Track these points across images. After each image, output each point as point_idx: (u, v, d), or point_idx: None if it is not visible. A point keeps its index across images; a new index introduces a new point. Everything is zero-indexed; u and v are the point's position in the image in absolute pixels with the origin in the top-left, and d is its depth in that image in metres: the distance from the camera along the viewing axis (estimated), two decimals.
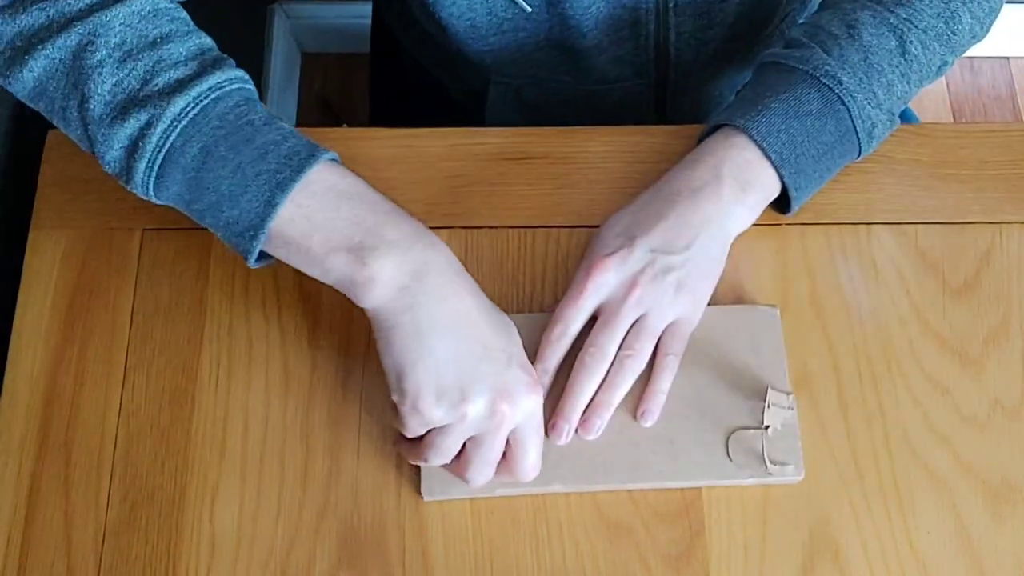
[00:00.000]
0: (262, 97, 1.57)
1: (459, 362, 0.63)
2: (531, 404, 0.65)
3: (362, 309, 0.64)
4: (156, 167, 0.63)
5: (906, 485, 0.70)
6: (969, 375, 0.73)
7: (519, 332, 0.69)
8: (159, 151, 0.62)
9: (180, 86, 0.63)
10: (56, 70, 0.63)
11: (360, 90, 1.74)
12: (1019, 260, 0.76)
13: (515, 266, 0.76)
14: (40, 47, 0.63)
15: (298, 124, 1.69)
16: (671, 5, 0.83)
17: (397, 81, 1.12)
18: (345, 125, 1.63)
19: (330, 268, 0.63)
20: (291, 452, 0.70)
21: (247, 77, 0.66)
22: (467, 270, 0.73)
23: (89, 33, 0.62)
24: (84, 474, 0.70)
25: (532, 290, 0.75)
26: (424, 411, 0.62)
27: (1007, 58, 1.81)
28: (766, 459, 0.68)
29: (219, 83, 0.64)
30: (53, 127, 0.72)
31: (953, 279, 0.76)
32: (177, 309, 0.74)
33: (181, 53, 0.64)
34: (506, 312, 0.73)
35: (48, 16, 0.63)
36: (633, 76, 0.90)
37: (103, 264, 0.75)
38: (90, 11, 0.63)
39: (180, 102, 0.62)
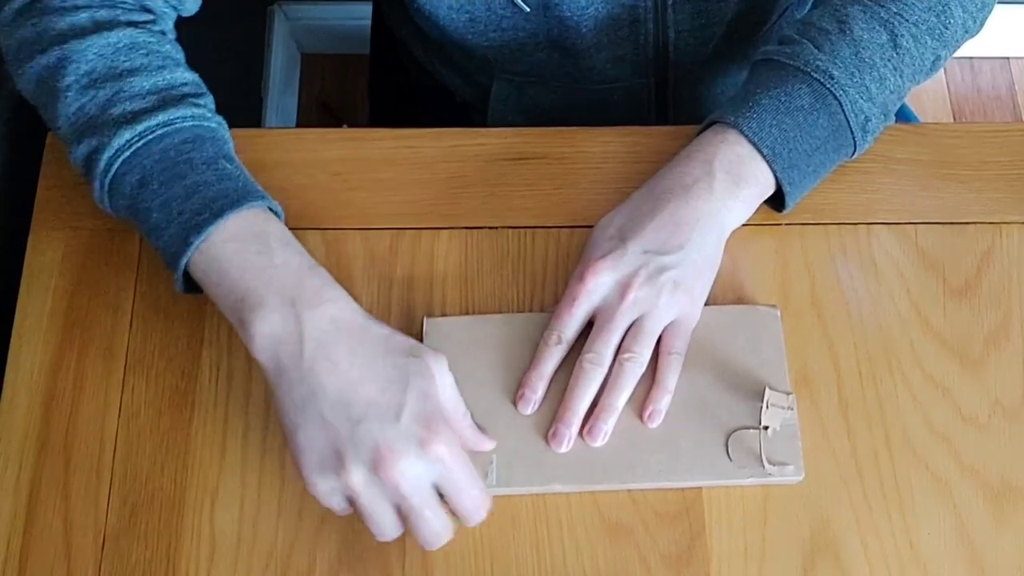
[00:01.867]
0: (262, 98, 1.58)
1: (339, 425, 0.61)
2: (419, 465, 0.61)
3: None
4: (106, 187, 0.67)
5: (906, 485, 0.70)
6: (969, 375, 0.73)
7: (518, 333, 0.69)
8: (107, 174, 0.67)
9: (131, 118, 0.66)
10: (40, 82, 0.69)
11: (360, 91, 1.74)
12: (1019, 260, 0.76)
13: (515, 266, 0.76)
14: (30, 60, 0.68)
15: (298, 125, 1.71)
16: (669, 3, 0.83)
17: (397, 82, 1.12)
18: (345, 126, 1.63)
19: (224, 313, 0.65)
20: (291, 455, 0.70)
21: (209, 115, 0.69)
22: (467, 271, 0.73)
23: (63, 57, 0.67)
24: (84, 477, 0.69)
25: (532, 290, 0.75)
26: (311, 484, 0.62)
27: (1007, 58, 1.81)
28: (764, 459, 0.68)
29: (170, 119, 0.67)
30: None
31: (953, 279, 0.76)
32: (177, 311, 0.74)
33: (144, 87, 0.67)
34: (506, 313, 0.73)
35: (37, 32, 0.68)
36: (633, 75, 0.90)
37: (103, 265, 0.75)
38: (69, 36, 0.67)
39: (126, 134, 0.66)
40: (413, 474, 0.61)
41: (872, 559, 0.68)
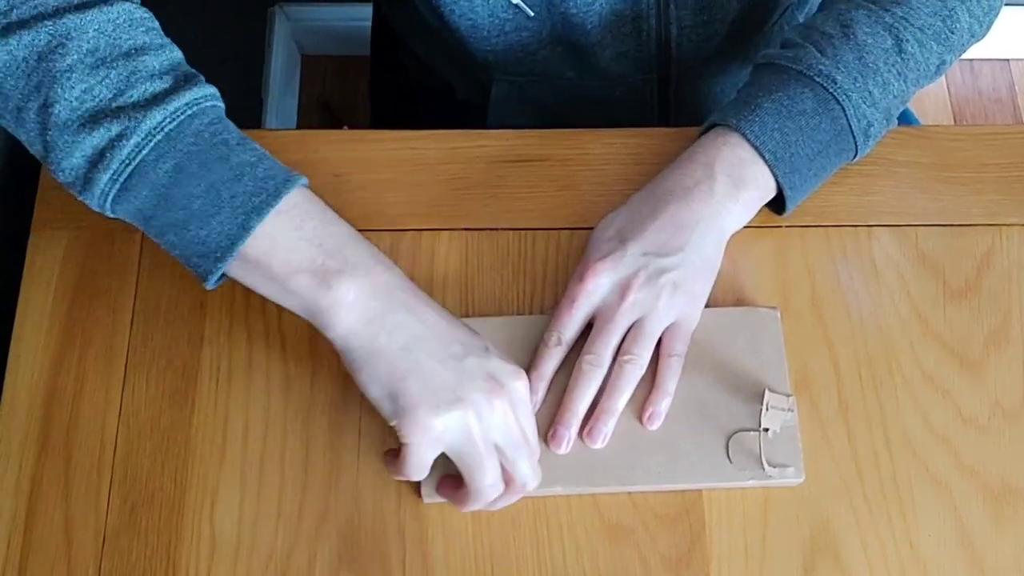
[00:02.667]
0: (263, 99, 1.58)
1: (445, 363, 0.63)
2: (521, 387, 0.65)
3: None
4: (122, 179, 0.61)
5: (906, 487, 0.70)
6: (969, 377, 0.73)
7: (517, 335, 0.69)
8: (128, 164, 0.61)
9: (156, 100, 0.61)
10: (17, 67, 0.61)
11: (360, 92, 1.74)
12: (1019, 262, 0.76)
13: (515, 268, 0.76)
14: (2, 40, 0.60)
15: (298, 126, 1.71)
16: None
17: (397, 83, 1.12)
18: (345, 127, 1.63)
19: (293, 290, 0.62)
20: (291, 454, 0.70)
21: (218, 94, 0.65)
22: (468, 273, 0.73)
23: (60, 35, 0.60)
24: (84, 476, 0.69)
25: (532, 292, 0.75)
26: (425, 421, 0.62)
27: (1007, 60, 1.81)
28: (764, 461, 0.68)
29: (195, 99, 0.63)
30: None
31: (953, 281, 0.76)
32: (177, 311, 0.74)
33: (156, 66, 0.62)
34: (505, 315, 0.74)
35: (8, 3, 0.60)
36: (636, 72, 0.90)
37: (103, 265, 0.75)
38: (62, 11, 0.60)
39: (157, 116, 0.61)
40: (519, 396, 0.65)
41: (872, 560, 0.68)
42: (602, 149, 0.79)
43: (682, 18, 0.85)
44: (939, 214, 0.78)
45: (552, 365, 0.70)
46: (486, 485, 0.64)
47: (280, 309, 0.71)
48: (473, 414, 0.62)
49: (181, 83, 0.63)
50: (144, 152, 0.61)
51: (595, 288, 0.69)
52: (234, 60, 1.54)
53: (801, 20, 0.93)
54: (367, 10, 1.18)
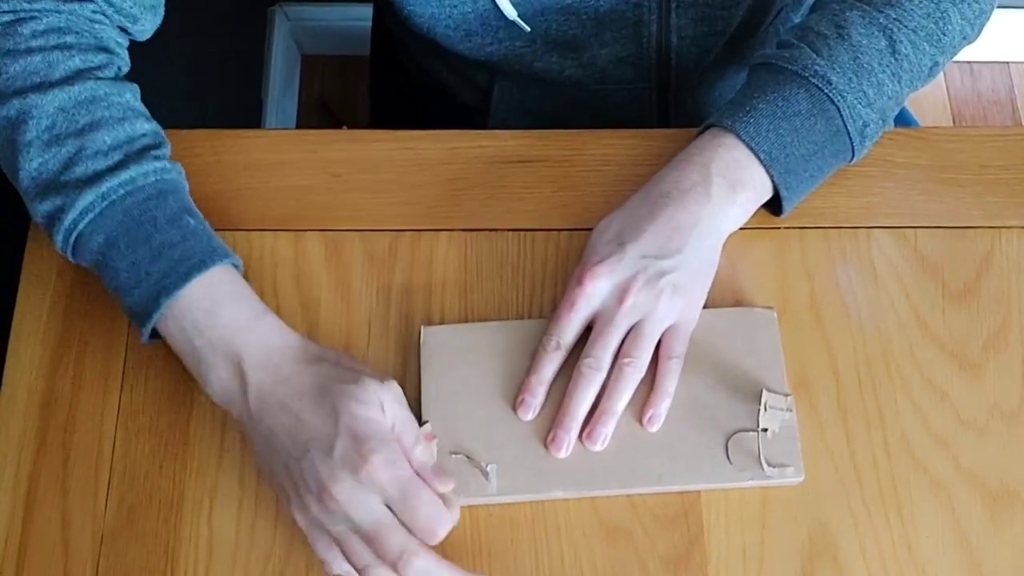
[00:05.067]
0: (262, 98, 1.58)
1: (286, 465, 0.64)
2: (357, 490, 0.61)
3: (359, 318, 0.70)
4: (71, 243, 0.68)
5: (905, 489, 0.70)
6: (968, 379, 0.73)
7: (516, 339, 0.70)
8: (70, 233, 0.67)
9: (94, 178, 0.66)
10: (0, 133, 0.68)
11: (360, 92, 1.74)
12: (1019, 264, 0.76)
13: (514, 269, 0.76)
14: None
15: (298, 126, 1.71)
16: (673, 6, 0.83)
17: (397, 83, 1.12)
18: (345, 127, 1.63)
19: (189, 371, 0.68)
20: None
21: (169, 166, 0.69)
22: (466, 273, 0.73)
23: (24, 112, 0.67)
24: (82, 476, 0.69)
25: (531, 293, 0.75)
26: (296, 520, 0.64)
27: (1007, 63, 1.81)
28: (763, 461, 0.68)
29: (132, 178, 0.67)
30: None
31: (952, 283, 0.76)
32: None
33: (105, 142, 0.67)
34: (506, 317, 0.73)
35: None
36: (635, 79, 0.90)
37: None
38: (29, 90, 0.67)
39: (89, 196, 0.66)
40: (355, 500, 0.62)
41: (870, 562, 0.68)
42: (601, 150, 0.79)
43: (682, 28, 0.85)
44: (938, 216, 0.78)
45: (551, 369, 0.70)
46: (362, 559, 0.63)
47: (279, 311, 0.72)
48: (315, 514, 0.63)
49: (126, 160, 0.67)
50: (80, 226, 0.67)
51: (594, 291, 0.69)
52: (234, 60, 1.54)
53: (797, 20, 0.93)
54: (367, 10, 1.18)
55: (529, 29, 0.82)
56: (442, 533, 0.63)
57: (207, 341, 0.66)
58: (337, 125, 1.73)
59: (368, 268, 0.76)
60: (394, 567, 0.62)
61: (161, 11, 0.76)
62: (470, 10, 0.82)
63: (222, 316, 0.66)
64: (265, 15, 1.67)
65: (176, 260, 0.66)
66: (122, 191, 0.67)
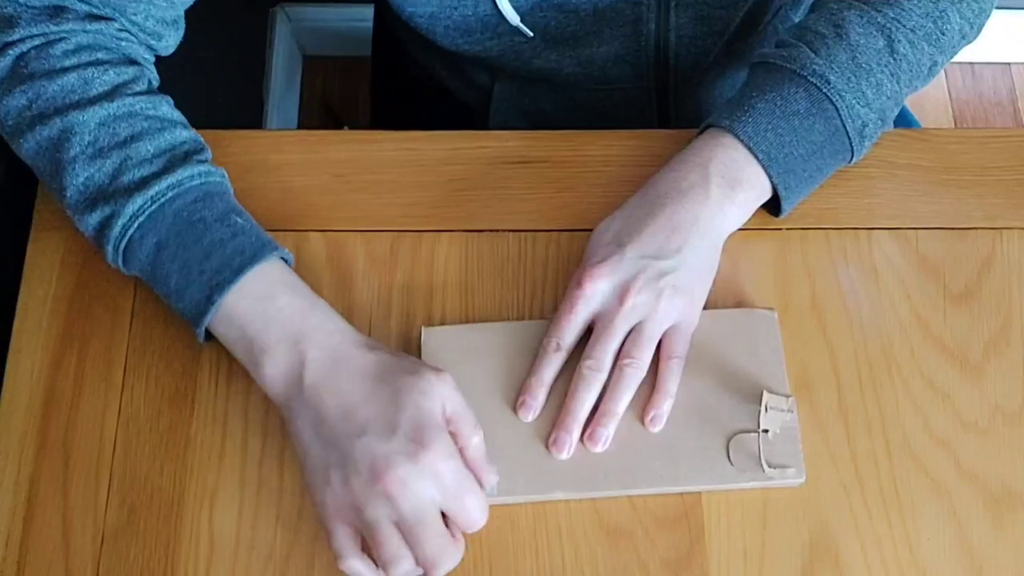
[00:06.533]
0: (264, 99, 1.58)
1: (337, 445, 0.63)
2: (413, 475, 0.61)
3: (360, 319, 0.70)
4: (121, 251, 0.68)
5: (906, 491, 0.70)
6: (969, 381, 0.73)
7: (516, 340, 0.70)
8: (121, 239, 0.68)
9: (142, 184, 0.67)
10: (42, 153, 0.69)
11: (361, 93, 1.74)
12: (1020, 266, 0.76)
13: (515, 269, 0.76)
14: (28, 130, 0.69)
15: (299, 126, 1.71)
16: (672, 5, 0.83)
17: (398, 84, 1.12)
18: (346, 128, 1.63)
19: (243, 362, 0.68)
20: (290, 456, 0.70)
21: (213, 169, 0.70)
22: (467, 274, 0.73)
23: (66, 130, 0.68)
24: (83, 477, 0.69)
25: (532, 293, 0.75)
26: (320, 504, 0.63)
27: (1008, 64, 1.81)
28: (763, 462, 0.68)
29: (178, 181, 0.68)
30: None
31: (954, 285, 0.76)
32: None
33: (149, 151, 0.69)
34: (506, 318, 0.73)
35: (28, 99, 0.69)
36: (634, 78, 0.90)
37: (103, 266, 0.75)
38: (69, 108, 0.68)
39: (138, 200, 0.67)
40: (408, 485, 0.61)
41: (871, 564, 0.68)
42: (602, 151, 0.79)
43: (681, 26, 0.85)
44: (939, 217, 0.78)
45: (552, 371, 0.70)
46: (390, 552, 0.62)
47: None
48: (359, 493, 0.62)
49: (172, 165, 0.69)
50: (131, 231, 0.68)
51: (594, 293, 0.69)
52: (235, 60, 1.54)
53: (797, 19, 0.94)
54: (368, 11, 1.18)
55: (532, 34, 0.82)
56: (479, 527, 0.64)
57: (263, 326, 0.66)
58: (338, 126, 1.73)
59: (369, 268, 0.76)
60: (426, 565, 0.62)
61: (182, 25, 0.77)
62: (470, 13, 0.82)
63: (278, 302, 0.66)
64: (266, 16, 1.67)
65: (228, 256, 0.67)
66: (170, 193, 0.68)
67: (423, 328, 0.72)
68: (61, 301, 0.74)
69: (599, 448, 0.69)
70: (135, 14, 0.72)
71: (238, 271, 0.66)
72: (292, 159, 0.79)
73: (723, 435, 0.69)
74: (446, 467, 0.62)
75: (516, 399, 0.70)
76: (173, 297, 0.68)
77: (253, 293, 0.66)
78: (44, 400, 0.71)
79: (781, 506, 0.69)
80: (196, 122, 0.74)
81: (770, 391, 0.69)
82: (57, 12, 0.70)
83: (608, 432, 0.69)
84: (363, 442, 0.62)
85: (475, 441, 0.65)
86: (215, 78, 1.42)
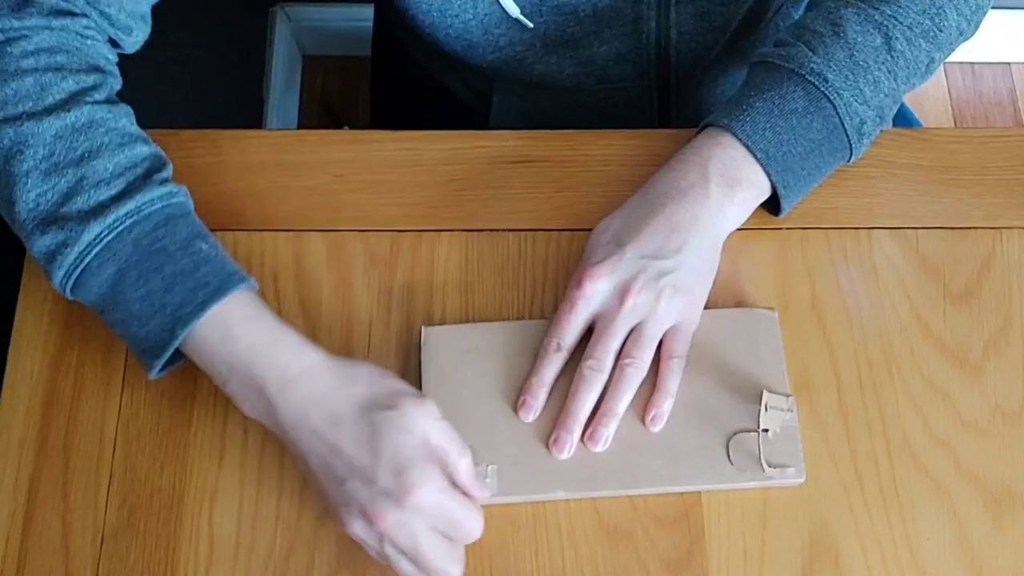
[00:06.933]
0: (263, 99, 1.58)
1: (329, 486, 0.63)
2: (402, 518, 0.62)
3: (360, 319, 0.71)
4: (73, 278, 0.65)
5: (906, 491, 0.70)
6: (969, 381, 0.73)
7: (517, 340, 0.70)
8: (75, 268, 0.65)
9: (98, 210, 0.64)
10: None
11: (361, 93, 1.74)
12: (1020, 265, 0.76)
13: (515, 269, 0.76)
14: None
15: (299, 126, 1.71)
16: (673, 1, 0.83)
17: (398, 84, 1.12)
18: (346, 128, 1.63)
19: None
20: (290, 456, 0.70)
21: (175, 190, 0.67)
22: (467, 274, 0.73)
23: (19, 141, 0.64)
24: (83, 477, 0.69)
25: (532, 293, 0.75)
26: (348, 529, 0.63)
27: (1008, 63, 1.81)
28: (763, 462, 0.68)
29: (138, 207, 0.65)
30: None
31: (954, 284, 0.76)
32: None
33: (108, 169, 0.65)
34: (507, 318, 0.73)
35: None
36: (635, 77, 0.90)
37: None
38: (24, 117, 0.64)
39: (95, 228, 0.64)
40: (399, 529, 0.62)
41: (871, 564, 0.68)
42: (602, 150, 0.79)
43: (682, 23, 0.85)
44: (939, 217, 0.78)
45: (553, 371, 0.70)
46: (408, 572, 0.64)
47: (280, 312, 0.71)
48: (361, 533, 0.63)
49: (131, 187, 0.65)
50: (87, 259, 0.64)
51: (593, 293, 0.69)
52: (235, 60, 1.54)
53: (797, 16, 0.93)
54: (368, 10, 1.18)
55: (532, 26, 0.82)
56: (478, 535, 0.65)
57: (228, 367, 0.65)
58: (338, 125, 1.73)
59: (369, 268, 0.76)
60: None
61: (150, 21, 0.74)
62: (471, 17, 0.82)
63: (239, 343, 0.64)
64: (266, 15, 1.67)
65: (190, 290, 0.64)
66: (128, 221, 0.65)
67: (423, 328, 0.72)
68: (61, 302, 0.74)
69: (600, 448, 0.69)
70: (108, 6, 0.69)
71: (201, 306, 0.64)
72: (292, 159, 0.79)
73: (723, 435, 0.69)
74: (433, 501, 0.62)
75: (517, 399, 0.70)
76: (132, 327, 0.65)
77: (216, 329, 0.64)
78: (44, 401, 0.71)
79: (781, 506, 0.69)
80: (196, 122, 0.74)
81: (770, 391, 0.69)
82: (22, 5, 0.66)
83: (609, 432, 0.69)
84: (349, 488, 0.62)
85: (463, 465, 0.64)
86: (215, 78, 1.42)
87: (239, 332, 0.64)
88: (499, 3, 0.81)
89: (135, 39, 0.73)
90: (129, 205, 0.65)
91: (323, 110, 1.75)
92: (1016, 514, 0.69)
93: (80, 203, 0.65)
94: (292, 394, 0.63)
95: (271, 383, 0.64)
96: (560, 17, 0.83)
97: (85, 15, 0.69)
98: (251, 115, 1.55)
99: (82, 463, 0.70)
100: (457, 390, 0.70)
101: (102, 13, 0.70)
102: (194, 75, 1.27)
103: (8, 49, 0.66)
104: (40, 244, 0.65)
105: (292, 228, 0.77)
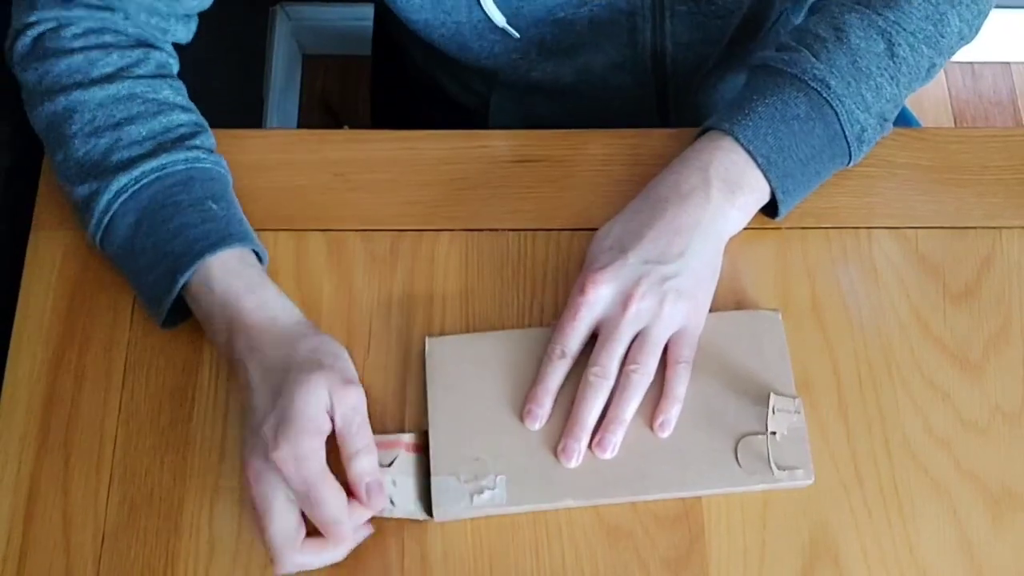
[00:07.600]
0: (263, 98, 1.58)
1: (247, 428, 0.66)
2: (266, 470, 0.63)
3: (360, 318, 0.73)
4: (103, 225, 0.71)
5: (906, 490, 0.70)
6: (969, 380, 0.73)
7: (521, 348, 0.70)
8: (105, 214, 0.71)
9: (128, 164, 0.71)
10: (50, 127, 0.74)
11: (361, 92, 1.74)
12: (1020, 265, 0.76)
13: (515, 269, 0.76)
14: (39, 104, 0.73)
15: (299, 126, 1.71)
16: (667, 14, 0.83)
17: (398, 83, 1.12)
18: (346, 127, 1.63)
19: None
20: None
21: (204, 156, 0.73)
22: (468, 273, 0.73)
23: (70, 108, 0.72)
24: (83, 474, 0.69)
25: (532, 293, 0.75)
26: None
27: (1008, 63, 1.81)
28: (772, 464, 0.68)
29: (162, 165, 0.71)
30: None
31: (954, 284, 0.76)
32: None
33: (140, 133, 0.72)
34: (507, 317, 0.73)
35: (39, 76, 0.73)
36: (633, 85, 0.90)
37: (103, 264, 0.75)
38: (73, 87, 0.72)
39: (123, 179, 0.70)
40: (260, 481, 0.63)
41: (871, 564, 0.68)
42: (602, 150, 0.79)
43: (677, 34, 0.85)
44: (939, 216, 0.78)
45: (557, 378, 0.70)
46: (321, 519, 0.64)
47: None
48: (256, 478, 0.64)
49: (160, 149, 0.72)
50: (114, 207, 0.71)
51: (596, 299, 0.69)
52: (235, 59, 1.54)
53: (797, 23, 0.93)
54: (368, 10, 1.18)
55: (518, 35, 0.82)
56: (341, 548, 0.65)
57: (206, 316, 0.69)
58: (338, 125, 1.73)
59: (369, 268, 0.76)
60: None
61: (195, 20, 0.80)
62: (464, 19, 0.82)
63: (216, 290, 0.68)
64: (266, 15, 1.67)
65: (191, 241, 0.69)
66: (153, 176, 0.70)
67: (427, 338, 0.72)
68: (61, 300, 0.74)
69: (608, 455, 0.68)
70: (128, 6, 0.75)
71: (196, 256, 0.68)
72: (292, 158, 0.79)
73: (731, 438, 0.69)
74: (294, 471, 0.62)
75: (522, 408, 0.70)
76: (141, 275, 0.70)
77: (204, 285, 0.68)
78: (44, 398, 0.71)
79: (781, 506, 0.69)
80: None
81: (776, 392, 0.69)
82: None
83: (616, 439, 0.68)
84: (249, 431, 0.65)
85: (356, 463, 0.64)
86: (214, 77, 1.42)
87: (218, 281, 0.68)
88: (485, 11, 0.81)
89: (175, 36, 0.78)
90: (155, 163, 0.71)
91: (323, 110, 1.75)
92: (1016, 514, 0.69)
93: (115, 159, 0.71)
94: (244, 336, 0.67)
95: (235, 323, 0.67)
96: (556, 28, 0.83)
97: (115, 11, 0.75)
98: (251, 114, 1.55)
99: (83, 460, 0.70)
100: (463, 400, 0.70)
101: (128, 18, 0.75)
102: (193, 74, 1.27)
103: (61, 32, 0.73)
104: (79, 191, 0.72)
105: (292, 228, 0.77)
